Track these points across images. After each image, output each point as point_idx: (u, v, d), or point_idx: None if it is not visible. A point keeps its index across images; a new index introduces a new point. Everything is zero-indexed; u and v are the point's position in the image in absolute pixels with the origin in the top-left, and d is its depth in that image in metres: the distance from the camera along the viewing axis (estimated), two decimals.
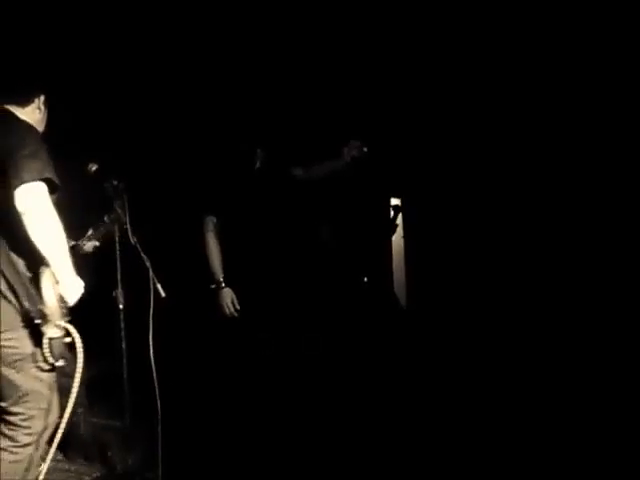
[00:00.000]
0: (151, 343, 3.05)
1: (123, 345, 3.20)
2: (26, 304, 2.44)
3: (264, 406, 3.64)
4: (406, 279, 5.03)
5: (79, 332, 2.56)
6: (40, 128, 2.77)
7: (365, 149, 3.67)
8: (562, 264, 4.16)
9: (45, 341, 2.46)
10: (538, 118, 4.19)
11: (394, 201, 4.79)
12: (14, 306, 2.45)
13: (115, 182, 3.22)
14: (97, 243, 3.40)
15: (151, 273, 3.15)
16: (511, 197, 4.34)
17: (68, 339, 2.53)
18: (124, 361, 3.19)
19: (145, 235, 3.20)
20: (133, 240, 3.18)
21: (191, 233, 3.89)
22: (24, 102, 2.73)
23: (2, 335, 2.44)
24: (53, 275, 2.52)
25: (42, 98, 2.79)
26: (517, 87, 4.22)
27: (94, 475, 3.37)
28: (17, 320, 2.46)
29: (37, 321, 2.44)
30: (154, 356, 3.06)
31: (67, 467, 2.95)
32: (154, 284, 3.14)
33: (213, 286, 3.77)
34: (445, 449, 3.47)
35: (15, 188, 2.41)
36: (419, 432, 3.69)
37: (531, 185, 4.28)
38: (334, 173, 3.80)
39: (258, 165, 3.86)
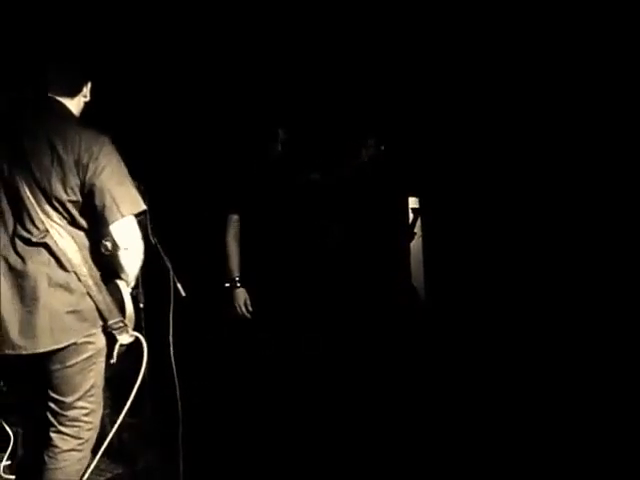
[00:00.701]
0: (171, 341, 3.09)
1: (144, 344, 3.24)
2: (106, 315, 2.50)
3: (280, 403, 3.68)
4: (424, 279, 5.04)
5: None
6: (79, 114, 2.70)
7: (382, 147, 3.69)
8: (582, 261, 4.14)
9: (117, 347, 2.54)
10: (559, 116, 4.17)
11: (412, 200, 4.80)
12: (99, 305, 2.49)
13: (136, 183, 3.27)
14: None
15: (171, 273, 3.19)
16: (531, 196, 4.33)
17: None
18: (144, 359, 3.24)
19: (165, 235, 3.24)
20: (154, 240, 3.22)
21: (210, 233, 3.93)
22: (73, 92, 2.63)
23: (88, 332, 2.49)
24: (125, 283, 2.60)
25: (89, 85, 2.71)
26: (537, 86, 4.21)
27: (115, 471, 3.43)
28: (97, 318, 2.50)
29: (114, 332, 2.53)
30: (174, 354, 3.10)
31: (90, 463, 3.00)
32: (174, 283, 3.19)
33: (227, 284, 3.81)
34: (459, 448, 3.48)
35: (112, 222, 2.43)
36: (434, 430, 3.70)
37: (551, 185, 4.27)
38: (353, 174, 3.82)
39: (279, 149, 3.85)
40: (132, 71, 4.44)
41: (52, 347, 2.43)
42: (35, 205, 2.42)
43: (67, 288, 2.44)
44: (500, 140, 4.42)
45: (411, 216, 4.58)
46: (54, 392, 2.51)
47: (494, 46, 4.28)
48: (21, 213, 2.44)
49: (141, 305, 3.26)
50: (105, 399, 2.84)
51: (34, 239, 2.43)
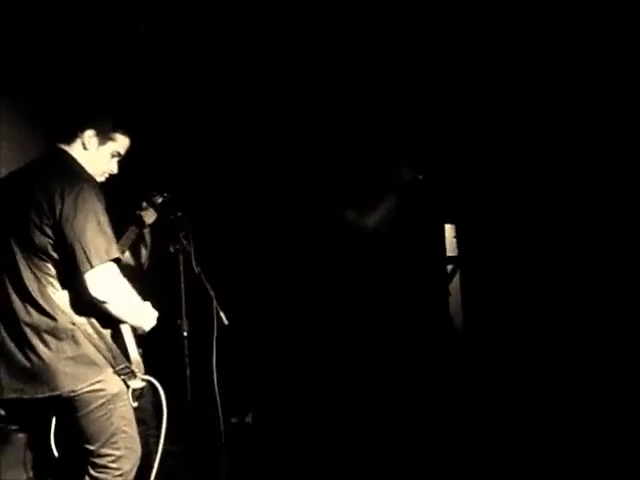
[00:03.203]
0: (214, 369, 3.14)
1: (187, 371, 3.31)
2: (112, 362, 2.46)
3: (325, 425, 3.71)
4: (462, 305, 5.02)
5: (146, 358, 2.66)
6: (94, 168, 2.62)
7: (420, 177, 3.71)
8: (623, 284, 4.10)
9: (129, 392, 2.50)
10: (598, 146, 4.15)
11: (448, 227, 4.81)
12: (102, 352, 2.45)
13: (179, 213, 3.35)
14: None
15: (214, 302, 3.25)
16: (569, 224, 4.30)
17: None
18: (188, 386, 3.30)
19: (208, 264, 3.31)
20: (197, 269, 3.29)
21: (252, 261, 4.00)
22: (67, 138, 2.58)
23: (91, 380, 2.44)
24: (127, 326, 2.55)
25: (88, 133, 2.58)
26: (573, 109, 4.20)
27: None
28: (105, 364, 2.46)
29: (123, 377, 2.48)
30: (217, 381, 3.15)
31: None
32: (217, 312, 3.25)
33: None
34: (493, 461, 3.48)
35: (84, 272, 2.35)
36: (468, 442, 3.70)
37: (586, 210, 4.24)
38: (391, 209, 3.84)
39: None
40: (178, 105, 4.52)
41: (48, 394, 2.40)
42: (24, 257, 2.43)
43: (61, 336, 2.40)
44: (535, 169, 4.42)
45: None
46: (79, 440, 2.49)
47: (525, 74, 4.29)
48: (16, 268, 2.44)
49: (185, 334, 3.31)
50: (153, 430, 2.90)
51: (24, 290, 2.42)
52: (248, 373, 4.30)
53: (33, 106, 3.82)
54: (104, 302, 2.40)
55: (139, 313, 2.57)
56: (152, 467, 2.68)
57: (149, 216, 3.30)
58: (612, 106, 3.92)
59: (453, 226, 4.82)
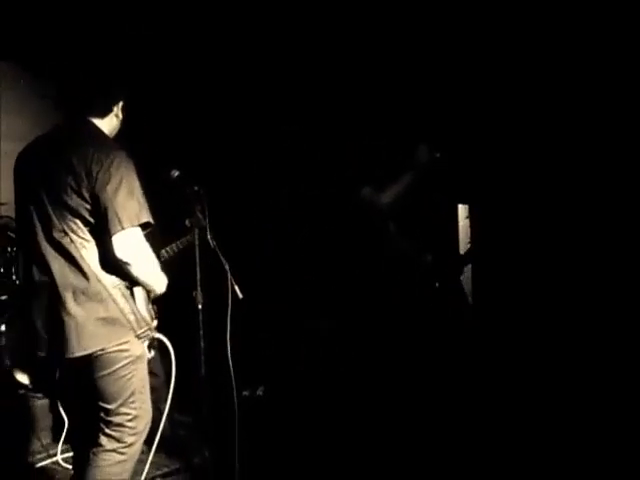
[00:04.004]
0: (228, 342, 3.19)
1: (202, 343, 3.36)
2: (134, 325, 2.60)
3: (338, 404, 3.75)
4: (472, 289, 5.03)
5: (160, 329, 2.78)
6: (113, 134, 2.81)
7: (438, 154, 3.70)
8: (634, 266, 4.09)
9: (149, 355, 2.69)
10: (613, 122, 4.13)
11: (461, 207, 4.80)
12: (126, 315, 2.58)
13: (196, 188, 3.38)
14: (176, 251, 3.66)
15: (229, 275, 3.29)
16: (586, 210, 4.28)
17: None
18: (202, 359, 3.35)
19: (224, 238, 3.35)
20: (212, 243, 3.33)
21: (268, 237, 4.03)
22: (102, 113, 2.76)
23: (120, 340, 2.58)
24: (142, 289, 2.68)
25: (120, 104, 2.80)
26: (585, 90, 4.18)
27: (172, 467, 3.54)
28: (129, 327, 2.60)
29: (143, 340, 2.64)
30: (231, 354, 3.19)
31: (147, 458, 3.11)
32: (232, 285, 3.28)
33: None
34: (515, 451, 3.49)
35: (113, 234, 2.48)
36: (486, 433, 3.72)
37: (607, 200, 4.21)
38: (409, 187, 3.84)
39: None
40: (198, 81, 4.56)
41: (80, 353, 2.52)
42: (59, 219, 2.55)
43: (93, 297, 2.54)
44: (551, 148, 4.40)
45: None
46: (98, 399, 2.62)
47: (545, 56, 4.27)
48: (48, 228, 2.57)
49: (199, 306, 3.36)
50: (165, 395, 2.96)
51: (60, 252, 2.55)
52: (261, 347, 4.36)
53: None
54: (128, 264, 2.52)
55: (156, 277, 2.69)
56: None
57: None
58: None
59: (466, 207, 4.81)
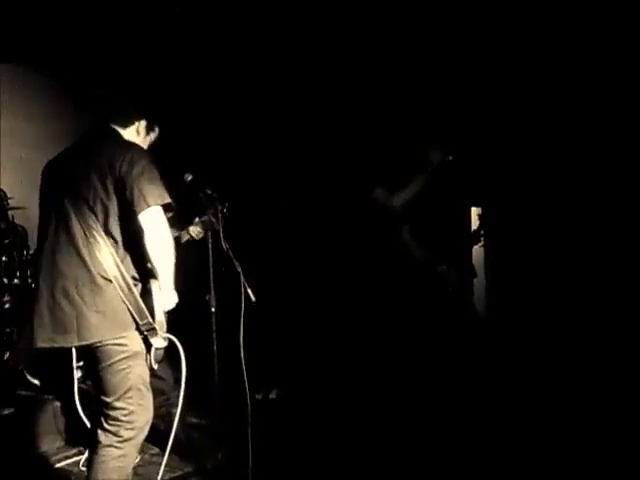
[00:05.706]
0: (242, 345, 3.20)
1: (214, 347, 3.38)
2: (137, 317, 2.64)
3: (354, 405, 3.75)
4: (486, 288, 5.01)
5: (174, 333, 2.77)
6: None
7: (450, 157, 3.70)
8: None
9: (152, 350, 2.68)
10: (623, 122, 4.11)
11: (474, 210, 4.79)
12: (129, 308, 2.64)
13: (209, 191, 3.41)
14: (200, 230, 3.67)
15: (242, 278, 3.30)
16: (595, 210, 4.27)
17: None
18: (215, 361, 3.37)
19: (237, 242, 3.36)
20: (225, 247, 3.34)
21: (281, 240, 4.04)
22: (125, 123, 2.92)
23: (117, 334, 2.64)
24: (157, 287, 2.72)
25: (143, 123, 2.97)
26: (596, 90, 4.16)
27: (186, 470, 3.54)
28: (130, 323, 2.65)
29: (145, 333, 2.66)
30: (244, 357, 3.20)
31: (161, 461, 3.13)
32: (245, 289, 3.30)
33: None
34: (529, 456, 3.48)
35: (140, 211, 2.61)
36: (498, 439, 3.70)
37: (613, 196, 4.20)
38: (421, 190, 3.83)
39: None
40: (214, 87, 4.59)
41: (78, 344, 2.62)
42: (77, 215, 2.66)
43: (96, 289, 2.62)
44: (564, 149, 4.39)
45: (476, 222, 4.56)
46: (96, 391, 2.71)
47: (555, 56, 4.26)
48: (68, 222, 2.67)
49: (212, 309, 3.38)
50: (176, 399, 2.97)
51: (75, 244, 2.65)
52: (274, 350, 4.36)
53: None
54: (151, 238, 2.61)
55: (171, 263, 2.72)
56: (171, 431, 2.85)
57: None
58: None
59: (479, 209, 4.80)
